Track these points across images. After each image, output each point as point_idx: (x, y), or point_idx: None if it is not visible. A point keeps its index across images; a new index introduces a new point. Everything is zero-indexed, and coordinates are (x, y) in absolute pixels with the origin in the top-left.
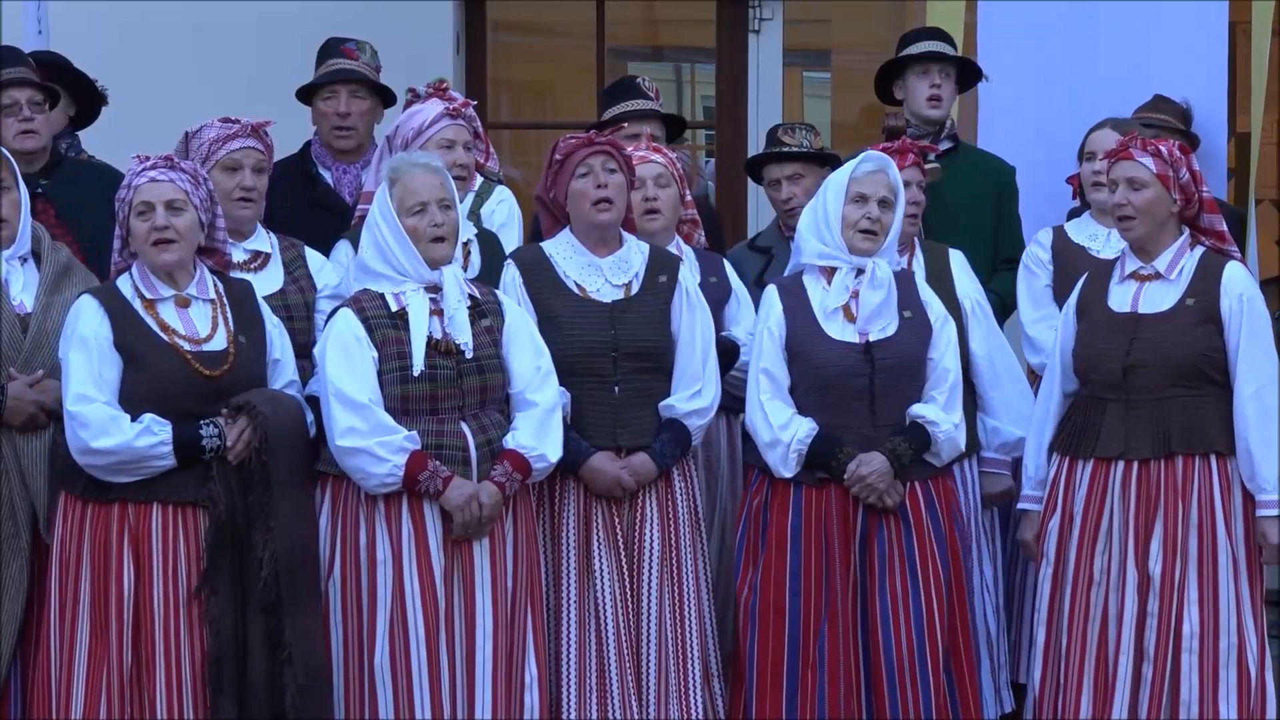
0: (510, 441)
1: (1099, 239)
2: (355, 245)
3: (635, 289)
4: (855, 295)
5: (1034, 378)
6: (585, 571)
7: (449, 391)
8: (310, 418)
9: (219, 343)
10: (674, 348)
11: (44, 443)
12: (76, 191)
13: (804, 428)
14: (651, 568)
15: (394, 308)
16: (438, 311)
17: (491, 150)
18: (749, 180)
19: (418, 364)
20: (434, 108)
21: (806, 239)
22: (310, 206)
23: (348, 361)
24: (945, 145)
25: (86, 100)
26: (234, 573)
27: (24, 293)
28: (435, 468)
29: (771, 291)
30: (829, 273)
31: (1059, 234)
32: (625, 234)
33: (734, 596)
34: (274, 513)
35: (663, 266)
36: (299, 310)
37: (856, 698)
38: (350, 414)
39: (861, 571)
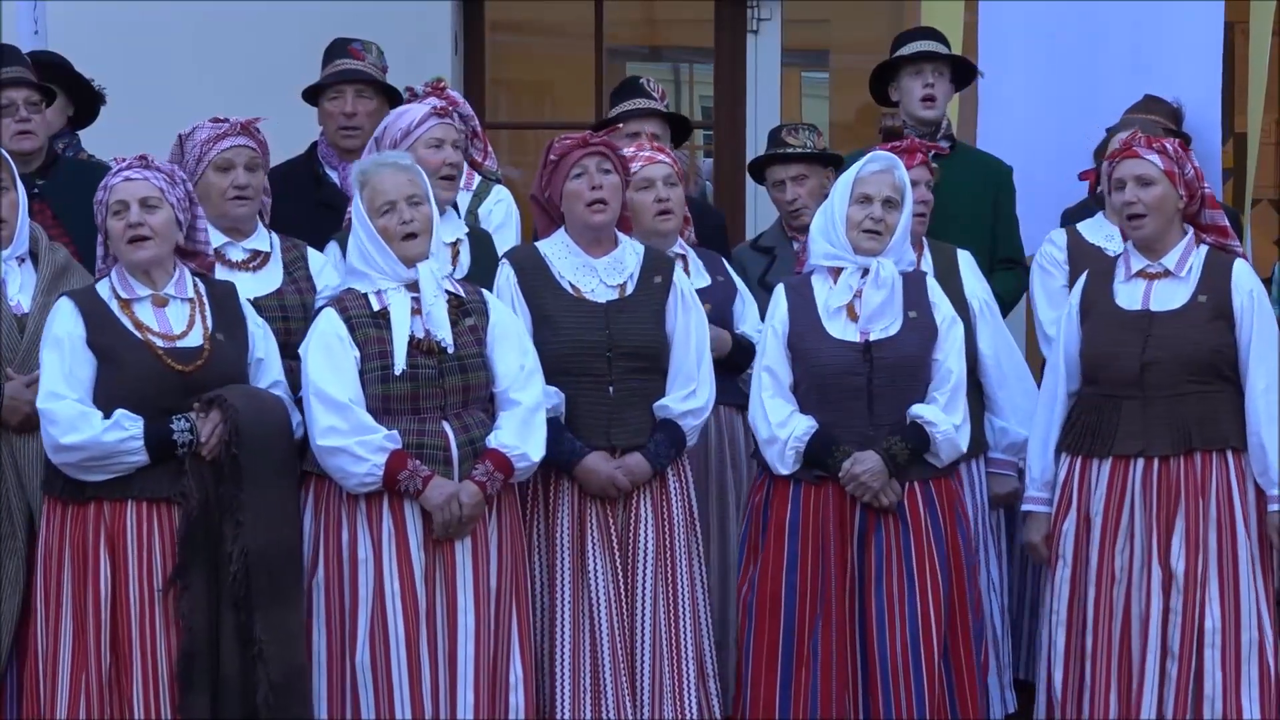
0: (493, 441)
1: (1115, 240)
2: (344, 247)
3: (630, 289)
4: (859, 295)
5: None
6: (580, 572)
7: (431, 391)
8: (298, 419)
9: (194, 339)
10: (669, 348)
11: (40, 443)
12: (73, 191)
13: (802, 425)
14: (646, 568)
15: (376, 307)
16: (421, 311)
17: (490, 149)
18: (747, 180)
19: (399, 363)
20: (421, 107)
21: (816, 240)
22: (316, 206)
23: (330, 361)
24: (942, 145)
25: (85, 100)
26: (209, 568)
27: (21, 293)
28: (415, 467)
29: (780, 290)
30: (836, 273)
31: (1073, 235)
32: (620, 234)
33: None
34: (244, 507)
35: (658, 267)
36: (295, 311)
37: (851, 695)
38: (331, 413)
39: (859, 570)
